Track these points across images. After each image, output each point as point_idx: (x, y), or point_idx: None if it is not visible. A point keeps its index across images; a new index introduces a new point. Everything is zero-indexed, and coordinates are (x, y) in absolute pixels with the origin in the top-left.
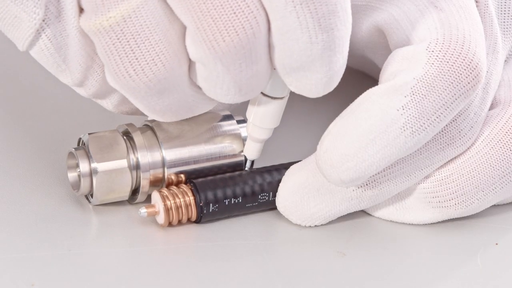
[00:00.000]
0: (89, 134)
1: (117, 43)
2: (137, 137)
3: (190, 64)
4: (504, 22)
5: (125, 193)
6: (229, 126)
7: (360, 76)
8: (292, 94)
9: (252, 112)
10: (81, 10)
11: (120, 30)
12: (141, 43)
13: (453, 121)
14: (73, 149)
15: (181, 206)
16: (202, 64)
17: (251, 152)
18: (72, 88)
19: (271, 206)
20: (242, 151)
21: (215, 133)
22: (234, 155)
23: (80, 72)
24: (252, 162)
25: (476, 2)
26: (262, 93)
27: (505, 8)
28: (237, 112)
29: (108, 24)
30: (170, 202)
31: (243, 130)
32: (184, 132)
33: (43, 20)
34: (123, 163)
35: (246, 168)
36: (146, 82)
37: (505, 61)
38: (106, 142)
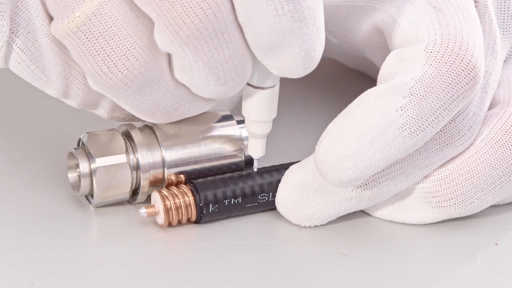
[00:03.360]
0: (87, 133)
1: (87, 42)
2: (136, 135)
3: (170, 61)
4: (503, 22)
5: (126, 190)
6: (229, 126)
7: (360, 76)
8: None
9: (246, 108)
10: (51, 18)
11: (88, 30)
12: (110, 39)
13: (452, 121)
14: (73, 149)
15: (180, 207)
16: (173, 54)
17: (255, 150)
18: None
19: (270, 206)
20: (241, 151)
21: (215, 133)
22: (234, 156)
23: (61, 81)
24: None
25: (475, 2)
26: (251, 85)
27: (504, 8)
28: (237, 113)
29: (75, 25)
30: (170, 203)
31: (243, 130)
32: (184, 132)
33: (12, 32)
34: (122, 157)
35: (254, 169)
36: (122, 79)
37: (505, 61)
38: (105, 139)
